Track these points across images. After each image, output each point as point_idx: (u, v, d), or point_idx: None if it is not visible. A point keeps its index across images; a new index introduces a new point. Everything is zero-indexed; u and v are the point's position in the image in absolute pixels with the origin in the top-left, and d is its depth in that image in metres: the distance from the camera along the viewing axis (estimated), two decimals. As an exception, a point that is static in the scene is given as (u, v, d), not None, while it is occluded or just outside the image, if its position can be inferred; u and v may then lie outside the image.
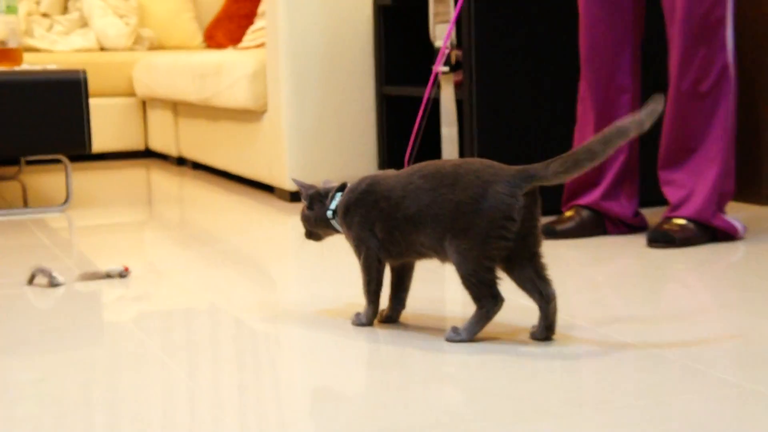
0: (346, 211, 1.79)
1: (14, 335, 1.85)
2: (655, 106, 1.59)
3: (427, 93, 2.56)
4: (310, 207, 1.84)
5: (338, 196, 1.81)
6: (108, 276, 2.28)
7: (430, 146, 3.43)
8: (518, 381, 1.50)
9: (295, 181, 1.89)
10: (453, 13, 2.86)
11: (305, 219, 1.86)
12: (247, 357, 1.67)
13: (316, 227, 1.85)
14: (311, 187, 1.85)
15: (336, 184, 1.85)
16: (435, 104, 3.42)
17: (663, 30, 2.53)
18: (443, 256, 1.69)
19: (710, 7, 2.39)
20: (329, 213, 1.81)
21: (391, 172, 1.78)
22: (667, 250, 2.43)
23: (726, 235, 2.51)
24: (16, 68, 3.39)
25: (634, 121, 1.59)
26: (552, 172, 1.60)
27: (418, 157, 3.41)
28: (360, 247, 1.78)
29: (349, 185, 1.81)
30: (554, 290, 1.68)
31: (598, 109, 2.60)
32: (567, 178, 1.63)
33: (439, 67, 2.87)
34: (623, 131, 1.58)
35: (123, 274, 2.29)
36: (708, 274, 2.19)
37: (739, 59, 3.06)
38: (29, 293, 2.19)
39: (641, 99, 2.67)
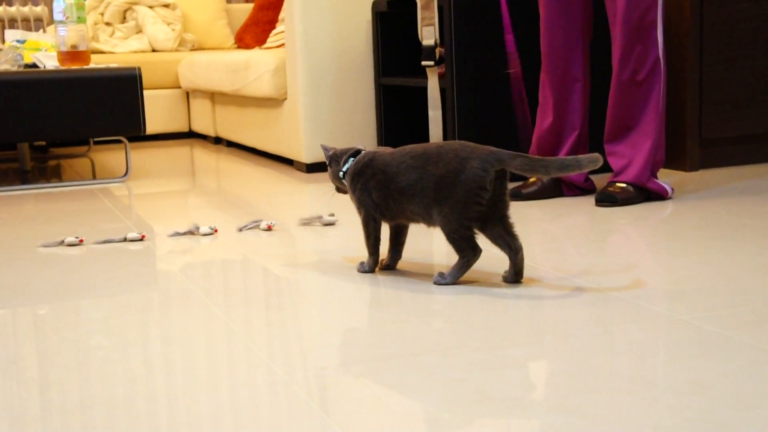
0: (351, 177, 1.78)
1: (85, 282, 1.84)
2: (596, 158, 1.59)
3: None
4: (330, 165, 1.83)
5: (350, 161, 1.80)
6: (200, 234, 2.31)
7: (421, 126, 3.41)
8: (493, 315, 1.49)
9: (321, 145, 1.88)
10: (437, 18, 2.83)
11: (330, 176, 1.85)
12: (272, 298, 1.66)
13: (335, 182, 1.84)
14: (332, 149, 1.84)
15: (360, 146, 1.84)
16: (423, 91, 3.39)
17: (608, 30, 2.50)
18: (429, 222, 1.69)
19: (644, 12, 2.38)
20: (341, 173, 1.80)
21: (387, 149, 1.77)
22: (611, 209, 2.42)
23: (658, 195, 2.50)
24: (86, 67, 3.35)
25: (578, 161, 1.59)
26: (514, 165, 1.61)
27: (413, 135, 3.40)
28: (360, 208, 1.78)
29: (360, 155, 1.80)
30: (520, 243, 1.67)
31: (556, 95, 2.59)
32: (526, 175, 1.64)
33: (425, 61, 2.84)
34: (575, 165, 1.59)
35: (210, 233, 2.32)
36: (644, 227, 2.18)
37: (668, 54, 3.04)
38: (97, 248, 2.17)
39: (591, 86, 2.65)
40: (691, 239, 2.02)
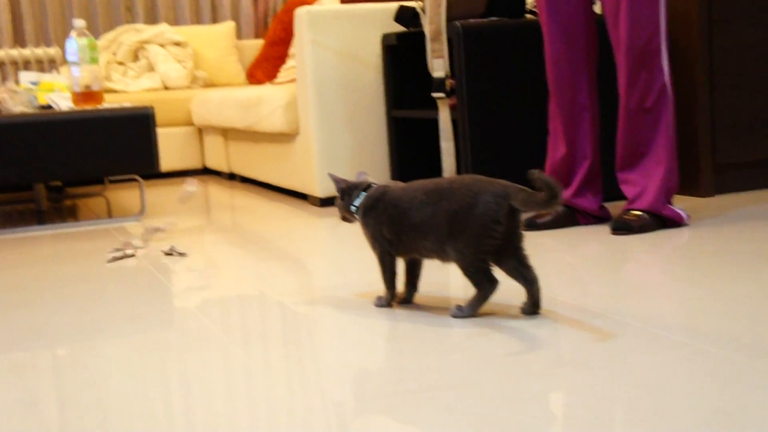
0: (363, 212, 1.79)
1: (102, 321, 1.85)
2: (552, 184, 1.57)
3: None
4: (341, 198, 1.84)
5: (362, 195, 1.80)
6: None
7: (434, 157, 3.42)
8: (511, 347, 1.49)
9: (330, 175, 1.88)
10: (446, 49, 2.85)
11: (338, 207, 1.85)
12: (290, 334, 1.67)
13: (345, 214, 1.85)
14: (343, 181, 1.84)
15: (367, 177, 1.84)
16: (435, 123, 3.41)
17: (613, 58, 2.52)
18: (443, 257, 1.69)
19: (647, 39, 2.39)
20: (352, 208, 1.81)
21: (399, 184, 1.77)
22: (627, 237, 2.42)
23: (674, 222, 2.50)
24: (99, 107, 3.39)
25: (545, 198, 1.58)
26: (518, 200, 1.60)
27: (425, 167, 3.41)
28: (374, 244, 1.78)
29: (370, 189, 1.80)
30: (536, 275, 1.68)
31: (565, 124, 2.60)
32: (525, 210, 1.63)
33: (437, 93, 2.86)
34: (544, 204, 1.58)
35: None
36: (661, 255, 2.17)
37: (678, 80, 3.05)
38: (113, 287, 2.18)
39: (599, 113, 2.66)
40: (709, 266, 2.01)
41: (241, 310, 1.89)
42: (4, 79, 5.30)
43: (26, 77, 3.96)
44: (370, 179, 1.84)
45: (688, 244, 2.27)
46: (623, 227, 2.44)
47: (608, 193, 2.84)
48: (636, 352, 1.43)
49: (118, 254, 2.56)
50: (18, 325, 1.86)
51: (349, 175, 3.33)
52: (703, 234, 2.39)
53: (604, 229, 2.54)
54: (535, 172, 1.57)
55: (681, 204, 2.89)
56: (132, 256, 2.58)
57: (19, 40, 5.47)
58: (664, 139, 2.46)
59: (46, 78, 3.92)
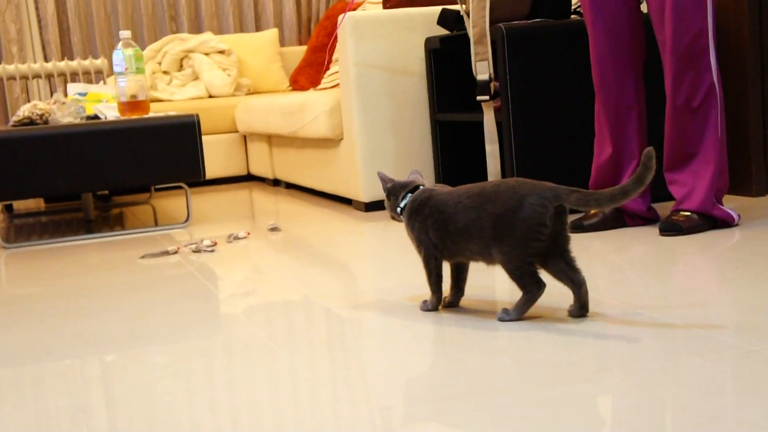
0: (409, 215, 1.78)
1: (150, 328, 1.87)
2: (639, 180, 1.56)
3: None
4: (387, 198, 1.84)
5: (408, 197, 1.80)
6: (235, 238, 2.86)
7: (479, 161, 3.41)
8: (559, 351, 1.48)
9: (378, 174, 1.88)
10: (490, 52, 2.84)
11: (387, 206, 1.85)
12: (335, 339, 1.67)
13: (392, 214, 1.84)
14: (390, 181, 1.84)
15: (418, 176, 1.84)
16: (479, 126, 3.39)
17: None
18: (489, 260, 1.68)
19: (694, 38, 2.36)
20: (398, 209, 1.81)
21: (445, 188, 1.77)
22: (676, 238, 2.38)
23: (724, 222, 2.46)
24: (145, 116, 3.43)
25: (624, 190, 1.56)
26: (571, 200, 1.60)
27: (470, 170, 3.40)
28: (420, 247, 1.78)
29: (416, 191, 1.79)
30: (583, 277, 1.66)
31: (611, 124, 2.58)
32: (581, 210, 1.62)
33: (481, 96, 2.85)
34: (626, 191, 1.56)
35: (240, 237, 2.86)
36: (711, 256, 2.14)
37: (728, 77, 3.00)
38: (160, 293, 2.21)
39: (647, 112, 2.62)
40: (760, 267, 1.98)
41: (287, 315, 1.90)
42: (53, 91, 5.39)
43: (74, 89, 4.03)
44: (421, 179, 1.84)
45: (739, 245, 2.23)
46: (672, 228, 2.41)
47: (656, 194, 2.81)
48: (685, 354, 1.41)
49: (157, 252, 2.76)
50: (67, 333, 1.89)
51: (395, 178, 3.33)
52: (754, 234, 2.35)
53: (652, 231, 2.50)
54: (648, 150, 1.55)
55: (731, 204, 2.84)
56: (174, 253, 2.77)
57: (66, 53, 5.56)
58: (712, 139, 2.43)
59: (94, 89, 3.98)
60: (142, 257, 2.73)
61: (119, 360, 1.65)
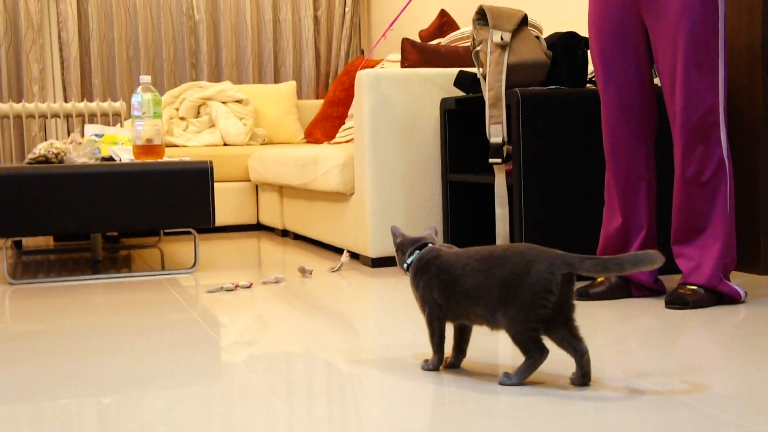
0: (414, 273, 1.78)
1: (149, 372, 1.87)
2: (657, 256, 1.57)
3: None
4: (396, 253, 1.84)
5: (416, 254, 1.80)
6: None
7: (488, 223, 3.41)
8: (558, 418, 1.47)
9: (392, 228, 1.88)
10: (504, 116, 2.86)
11: (396, 261, 1.86)
12: (335, 394, 1.66)
13: (402, 268, 1.85)
14: (400, 235, 1.85)
15: (432, 233, 1.84)
16: (490, 189, 3.41)
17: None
18: (493, 324, 1.67)
19: (704, 114, 2.38)
20: (405, 266, 1.81)
21: (452, 249, 1.77)
22: (682, 311, 2.38)
23: (731, 299, 2.45)
24: (160, 160, 3.46)
25: (650, 257, 1.57)
26: (584, 267, 1.60)
27: (479, 231, 3.40)
28: (424, 306, 1.77)
29: (424, 249, 1.80)
30: (586, 346, 1.65)
31: (621, 194, 2.58)
32: (597, 276, 1.62)
33: (493, 159, 2.87)
34: (647, 261, 1.57)
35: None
36: (716, 332, 2.13)
37: (740, 153, 3.01)
38: (163, 338, 2.20)
39: (656, 184, 2.63)
40: (766, 346, 1.97)
41: (287, 366, 1.89)
42: (70, 131, 5.45)
43: (91, 129, 4.07)
44: (434, 237, 1.84)
45: (745, 322, 2.22)
46: (678, 301, 2.40)
47: (663, 266, 2.80)
48: (685, 429, 1.40)
49: (216, 288, 2.96)
50: (67, 373, 1.89)
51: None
52: (760, 312, 2.34)
53: (658, 303, 2.50)
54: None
55: (738, 280, 2.83)
56: (230, 290, 2.96)
57: (86, 94, 5.63)
58: (721, 214, 2.43)
59: (110, 131, 4.02)
60: (208, 292, 2.94)
61: (117, 402, 1.65)
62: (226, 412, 1.56)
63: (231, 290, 2.94)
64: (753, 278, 2.91)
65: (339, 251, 3.95)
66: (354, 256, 3.71)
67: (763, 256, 2.99)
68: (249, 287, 3.00)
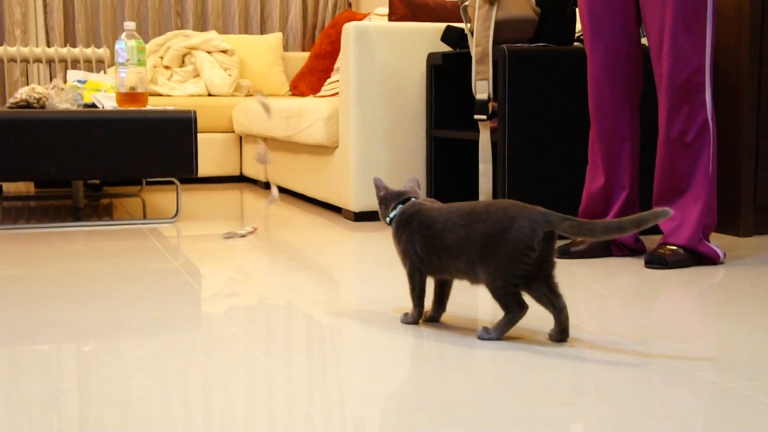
0: (396, 227, 1.79)
1: (130, 320, 1.87)
2: (641, 220, 1.56)
3: None
4: (379, 206, 1.84)
5: (399, 208, 1.80)
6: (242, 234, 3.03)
7: (471, 179, 3.42)
8: (535, 373, 1.48)
9: (375, 179, 1.88)
10: (491, 72, 2.85)
11: (379, 213, 1.86)
12: (314, 345, 1.67)
13: (384, 221, 1.85)
14: (383, 188, 1.84)
15: (415, 185, 1.84)
16: (474, 145, 3.41)
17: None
18: (474, 279, 1.68)
19: (690, 75, 2.38)
20: (387, 220, 1.81)
21: (435, 204, 1.77)
22: (661, 271, 2.39)
23: (710, 259, 2.47)
24: (143, 108, 3.43)
25: (621, 225, 1.57)
26: (563, 227, 1.60)
27: (462, 187, 3.41)
28: (405, 260, 1.78)
29: (407, 204, 1.79)
30: (564, 302, 1.66)
31: (605, 154, 2.59)
32: (572, 238, 1.63)
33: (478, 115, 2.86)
34: (622, 227, 1.57)
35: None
36: (694, 291, 2.15)
37: (724, 116, 3.02)
38: (143, 287, 2.20)
39: (640, 145, 2.64)
40: (742, 305, 1.99)
41: (268, 318, 1.90)
42: (53, 76, 5.39)
43: (74, 76, 4.03)
44: (416, 190, 1.84)
45: (723, 283, 2.24)
46: (657, 261, 2.42)
47: (645, 226, 2.82)
48: (660, 385, 1.42)
49: (232, 234, 3.03)
50: (47, 318, 1.89)
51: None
52: (739, 273, 2.36)
53: (638, 262, 2.51)
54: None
55: (718, 241, 2.85)
56: (243, 236, 3.02)
57: (69, 40, 5.56)
58: (703, 176, 2.44)
59: (93, 77, 3.98)
60: (225, 237, 3.00)
61: (96, 350, 1.65)
62: (206, 361, 1.57)
63: (249, 233, 3.07)
64: (732, 240, 2.93)
65: (321, 205, 3.95)
66: (336, 209, 3.71)
67: (743, 218, 3.01)
68: (253, 232, 3.13)
